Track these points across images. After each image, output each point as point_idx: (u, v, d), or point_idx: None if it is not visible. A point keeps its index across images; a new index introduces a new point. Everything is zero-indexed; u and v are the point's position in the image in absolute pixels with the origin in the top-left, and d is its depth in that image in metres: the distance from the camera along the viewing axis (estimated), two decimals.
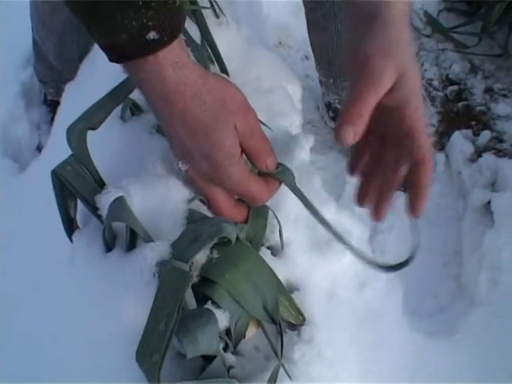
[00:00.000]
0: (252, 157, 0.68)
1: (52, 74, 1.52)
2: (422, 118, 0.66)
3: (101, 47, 0.61)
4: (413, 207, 0.71)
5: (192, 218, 0.67)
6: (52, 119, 1.53)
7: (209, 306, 0.64)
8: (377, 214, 0.76)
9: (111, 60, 0.61)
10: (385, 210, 0.75)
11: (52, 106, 1.60)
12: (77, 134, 0.71)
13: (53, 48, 1.43)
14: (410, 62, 0.64)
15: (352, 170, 0.79)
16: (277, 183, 0.73)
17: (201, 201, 0.71)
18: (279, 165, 0.73)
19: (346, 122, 0.62)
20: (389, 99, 0.64)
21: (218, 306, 0.64)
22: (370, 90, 0.62)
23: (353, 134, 0.63)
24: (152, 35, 0.57)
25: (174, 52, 0.60)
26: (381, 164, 0.74)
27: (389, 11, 0.64)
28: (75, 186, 0.70)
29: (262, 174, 0.71)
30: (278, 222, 0.77)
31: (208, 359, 0.62)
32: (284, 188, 0.84)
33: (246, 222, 0.74)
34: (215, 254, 0.65)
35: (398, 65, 0.62)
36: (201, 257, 0.64)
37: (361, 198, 0.78)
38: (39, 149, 1.57)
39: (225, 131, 0.64)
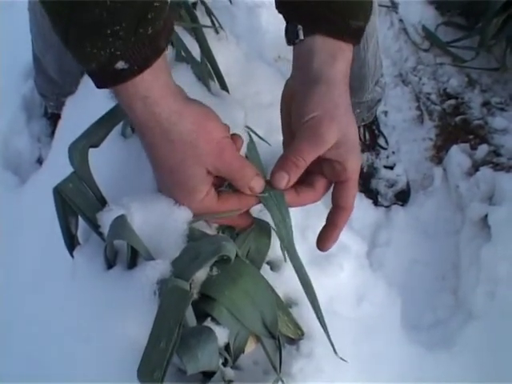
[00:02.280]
0: (234, 184, 0.68)
1: (52, 87, 1.52)
2: (358, 170, 0.70)
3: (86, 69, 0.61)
4: (321, 240, 0.75)
5: (192, 236, 0.68)
6: (53, 132, 1.53)
7: (208, 322, 0.64)
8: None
9: (96, 86, 0.61)
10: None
11: (53, 119, 1.60)
12: (78, 152, 0.72)
13: (53, 62, 1.43)
14: (350, 123, 0.68)
15: None
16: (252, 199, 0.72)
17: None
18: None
19: (283, 169, 0.67)
20: (329, 154, 0.67)
21: (218, 323, 0.65)
22: (311, 148, 0.66)
23: (286, 180, 0.68)
24: (120, 65, 0.57)
25: (145, 85, 0.60)
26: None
27: (332, 73, 0.67)
28: (77, 203, 0.71)
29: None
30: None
31: (208, 375, 0.63)
32: None
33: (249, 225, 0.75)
34: (215, 272, 0.66)
35: (340, 127, 0.66)
36: (201, 274, 0.65)
37: None
38: (40, 162, 1.57)
39: (189, 173, 0.64)
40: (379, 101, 1.44)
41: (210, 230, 0.72)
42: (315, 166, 0.69)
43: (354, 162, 0.69)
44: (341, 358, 0.76)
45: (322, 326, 0.74)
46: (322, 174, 0.71)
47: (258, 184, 0.69)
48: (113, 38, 0.55)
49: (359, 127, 1.49)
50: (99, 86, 0.61)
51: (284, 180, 0.67)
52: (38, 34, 1.39)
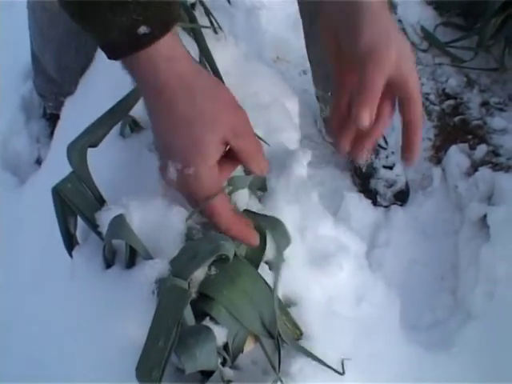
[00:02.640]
0: (245, 158, 0.68)
1: (51, 87, 1.52)
2: (418, 87, 0.71)
3: (99, 46, 0.62)
4: (406, 154, 0.75)
5: (190, 235, 0.68)
6: (51, 133, 1.54)
7: (207, 321, 0.64)
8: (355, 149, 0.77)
9: (109, 57, 0.63)
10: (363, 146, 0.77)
11: (51, 119, 1.60)
12: (77, 152, 0.72)
13: (52, 59, 1.44)
14: (403, 41, 0.71)
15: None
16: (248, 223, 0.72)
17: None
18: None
19: (365, 105, 0.68)
20: (392, 77, 0.69)
21: (216, 322, 0.65)
22: (379, 72, 0.68)
23: (370, 115, 0.68)
24: (143, 30, 0.59)
25: (167, 46, 0.62)
26: None
27: (373, 2, 0.71)
28: (75, 203, 0.72)
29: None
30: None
31: (206, 374, 0.63)
32: (281, 203, 0.85)
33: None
34: (213, 271, 0.66)
35: (397, 49, 0.69)
36: (199, 273, 0.65)
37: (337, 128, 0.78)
38: (39, 162, 1.58)
39: (207, 127, 0.65)
40: None
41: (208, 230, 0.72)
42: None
43: (414, 79, 0.71)
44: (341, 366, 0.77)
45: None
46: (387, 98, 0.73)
47: (267, 166, 0.70)
48: (133, 5, 0.58)
49: None
50: (117, 54, 0.62)
51: (369, 115, 0.68)
52: (37, 30, 1.40)
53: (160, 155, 0.68)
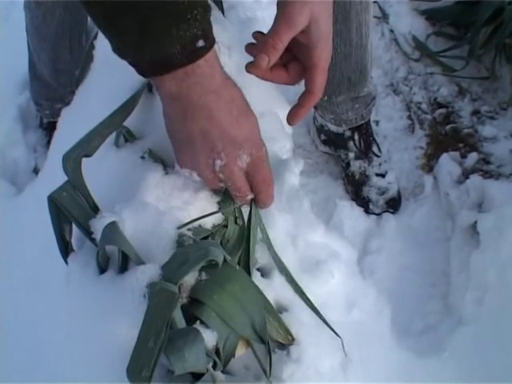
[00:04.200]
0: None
1: (47, 92, 1.55)
2: (327, 59, 0.78)
3: (140, 62, 0.67)
4: (290, 116, 0.83)
5: (181, 242, 0.70)
6: (48, 142, 1.56)
7: (197, 325, 0.66)
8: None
9: (150, 73, 0.68)
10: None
11: (48, 129, 1.63)
12: (72, 162, 0.73)
13: (47, 60, 1.47)
14: (322, 12, 0.75)
15: None
16: None
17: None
18: None
19: (263, 52, 0.75)
20: (302, 38, 0.76)
21: (207, 326, 0.66)
22: (285, 29, 0.74)
23: (267, 61, 0.75)
24: (200, 43, 0.65)
25: (215, 54, 0.68)
26: None
27: None
28: (70, 211, 0.73)
29: None
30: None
31: (197, 376, 0.64)
32: (273, 211, 0.86)
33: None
34: (204, 276, 0.67)
35: (312, 12, 0.74)
36: (190, 279, 0.67)
37: None
38: (36, 171, 1.59)
39: (254, 116, 0.75)
40: (374, 98, 1.47)
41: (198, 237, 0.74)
42: (295, 52, 0.79)
43: (323, 49, 0.77)
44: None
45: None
46: (298, 60, 0.80)
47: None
48: (193, 21, 0.63)
49: (354, 132, 1.52)
50: (165, 69, 0.67)
51: (265, 61, 0.75)
52: (33, 30, 1.44)
53: (223, 150, 0.72)
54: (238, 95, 0.73)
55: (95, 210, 0.75)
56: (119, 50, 0.67)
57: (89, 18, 0.67)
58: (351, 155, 1.53)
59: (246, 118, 0.73)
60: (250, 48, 0.80)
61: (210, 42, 0.67)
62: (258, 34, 0.80)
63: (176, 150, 0.75)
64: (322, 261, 0.91)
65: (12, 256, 1.13)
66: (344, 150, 1.54)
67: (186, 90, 0.68)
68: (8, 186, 1.54)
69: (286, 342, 0.80)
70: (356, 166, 1.53)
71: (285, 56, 0.78)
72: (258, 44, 0.79)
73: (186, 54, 0.65)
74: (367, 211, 1.50)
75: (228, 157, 0.71)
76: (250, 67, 0.77)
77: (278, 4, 0.76)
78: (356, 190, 1.52)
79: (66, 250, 0.77)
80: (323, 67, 0.78)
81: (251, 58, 0.77)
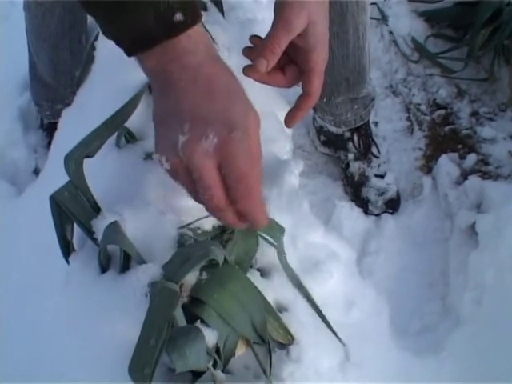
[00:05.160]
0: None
1: (47, 92, 1.55)
2: (324, 62, 0.79)
3: (121, 39, 0.64)
4: (287, 118, 0.83)
5: (182, 241, 0.70)
6: (49, 143, 1.56)
7: (198, 324, 0.66)
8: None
9: (132, 50, 0.64)
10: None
11: (49, 130, 1.63)
12: (74, 162, 0.74)
13: (47, 60, 1.47)
14: (320, 15, 0.76)
15: None
16: None
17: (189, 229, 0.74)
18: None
19: (262, 56, 0.75)
20: (299, 41, 0.76)
21: (207, 325, 0.67)
22: (283, 33, 0.74)
23: (265, 65, 0.75)
24: (178, 17, 0.62)
25: (199, 32, 0.65)
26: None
27: None
28: (72, 211, 0.74)
29: None
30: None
31: (197, 375, 0.64)
32: (273, 212, 0.87)
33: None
34: (204, 276, 0.68)
35: (309, 16, 0.74)
36: (191, 278, 0.67)
37: None
38: (36, 172, 1.59)
39: (245, 94, 0.67)
40: (372, 100, 1.47)
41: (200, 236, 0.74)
42: (291, 54, 0.79)
43: (320, 52, 0.77)
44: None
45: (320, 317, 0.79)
46: (295, 63, 0.80)
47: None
48: None
49: (353, 133, 1.52)
50: (146, 45, 0.63)
51: (263, 65, 0.75)
52: (33, 30, 1.44)
53: (190, 128, 0.64)
54: (224, 76, 0.66)
55: (97, 210, 0.76)
56: (101, 28, 0.65)
57: (89, 18, 0.67)
58: (350, 156, 1.54)
59: (228, 98, 0.65)
60: (247, 52, 0.80)
61: (192, 17, 0.63)
62: (255, 38, 0.80)
63: (155, 134, 0.69)
64: (322, 261, 0.91)
65: (12, 256, 1.13)
66: (343, 151, 1.55)
67: (165, 66, 0.65)
68: (8, 187, 1.54)
69: (286, 342, 0.80)
70: (355, 166, 1.53)
71: (282, 59, 0.77)
72: (255, 48, 0.79)
73: (163, 29, 0.62)
74: (366, 212, 1.51)
75: (191, 132, 0.63)
76: (248, 71, 0.77)
77: (275, 8, 0.76)
78: (355, 190, 1.53)
79: (67, 249, 0.78)
80: (320, 70, 0.78)
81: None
